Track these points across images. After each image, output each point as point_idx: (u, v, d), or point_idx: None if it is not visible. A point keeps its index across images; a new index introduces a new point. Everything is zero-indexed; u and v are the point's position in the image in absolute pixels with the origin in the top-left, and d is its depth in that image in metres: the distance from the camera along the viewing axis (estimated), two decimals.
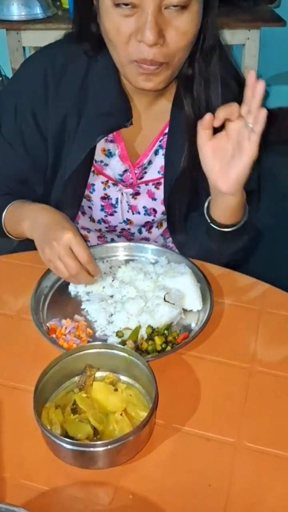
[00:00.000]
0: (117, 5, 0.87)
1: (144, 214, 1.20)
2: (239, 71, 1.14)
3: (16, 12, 2.31)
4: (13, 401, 0.82)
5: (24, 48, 2.40)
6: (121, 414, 0.77)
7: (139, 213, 1.20)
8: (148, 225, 1.25)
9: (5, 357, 0.90)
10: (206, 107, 1.04)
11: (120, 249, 1.13)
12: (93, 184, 1.16)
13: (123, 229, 1.24)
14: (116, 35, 0.90)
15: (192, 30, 0.91)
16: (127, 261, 1.09)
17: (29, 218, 1.04)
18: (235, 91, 1.08)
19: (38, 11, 2.33)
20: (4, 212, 1.10)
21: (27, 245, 1.25)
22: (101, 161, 1.13)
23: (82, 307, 1.00)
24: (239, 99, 1.09)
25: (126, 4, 0.86)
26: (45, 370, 0.78)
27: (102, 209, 1.20)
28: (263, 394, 0.84)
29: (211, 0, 0.94)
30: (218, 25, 1.00)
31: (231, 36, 2.38)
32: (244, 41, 2.43)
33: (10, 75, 2.59)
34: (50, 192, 1.15)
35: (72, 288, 1.03)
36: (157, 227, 1.26)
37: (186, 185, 1.10)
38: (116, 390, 0.80)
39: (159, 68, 0.92)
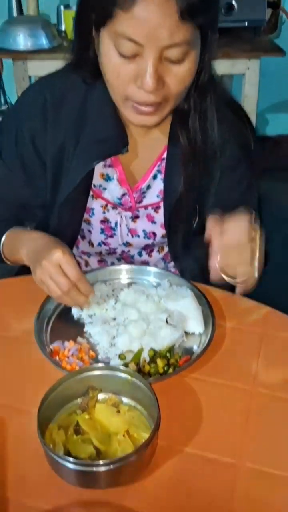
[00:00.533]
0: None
1: (144, 237, 1.22)
2: (232, 96, 1.15)
3: (22, 42, 2.37)
4: (16, 422, 0.83)
5: (30, 77, 2.46)
6: (123, 435, 0.77)
7: (138, 236, 1.22)
8: (149, 249, 1.26)
9: (9, 378, 0.91)
10: (202, 139, 1.06)
11: (123, 272, 1.14)
12: (93, 208, 1.18)
13: (123, 251, 1.26)
14: (115, 78, 0.93)
15: (190, 76, 0.94)
16: (129, 284, 1.11)
17: (26, 245, 1.06)
18: (230, 118, 1.10)
19: (43, 42, 2.39)
20: (3, 239, 1.13)
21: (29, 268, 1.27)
22: (100, 185, 1.16)
23: (85, 329, 1.01)
24: (235, 126, 1.11)
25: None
26: (48, 392, 0.79)
27: (102, 232, 1.22)
28: (264, 415, 0.84)
29: (210, 42, 0.95)
30: (215, 59, 1.01)
31: (232, 66, 2.44)
32: (244, 70, 2.48)
33: None
34: (49, 216, 1.18)
35: (75, 311, 1.05)
36: (158, 251, 1.28)
37: (185, 210, 1.12)
38: (118, 411, 0.81)
39: (156, 109, 0.94)
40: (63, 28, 2.63)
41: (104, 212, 1.18)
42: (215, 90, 1.05)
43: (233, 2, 2.40)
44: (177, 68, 0.90)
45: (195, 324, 0.99)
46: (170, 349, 0.94)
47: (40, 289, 1.05)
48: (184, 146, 1.06)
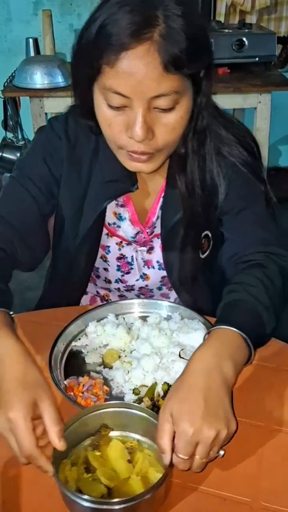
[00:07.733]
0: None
1: (158, 269, 1.23)
2: (245, 129, 1.17)
3: (39, 81, 2.45)
4: None
5: (46, 114, 2.52)
6: (136, 474, 0.77)
7: (153, 267, 1.23)
8: (169, 284, 1.27)
9: None
10: (200, 185, 1.07)
11: (135, 306, 1.15)
12: (108, 246, 1.20)
13: (141, 287, 1.27)
14: (107, 129, 0.96)
15: (181, 125, 0.95)
16: (141, 318, 1.11)
17: None
18: (236, 156, 1.10)
19: (59, 80, 2.46)
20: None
21: (47, 303, 1.28)
22: (114, 223, 1.18)
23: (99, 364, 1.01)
24: (237, 166, 1.11)
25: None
26: (63, 428, 0.79)
27: (118, 269, 1.23)
28: (279, 453, 0.83)
29: (203, 87, 0.96)
30: (212, 103, 1.03)
31: (243, 100, 2.49)
32: (256, 104, 2.52)
33: None
34: (62, 256, 1.20)
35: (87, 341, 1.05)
36: None
37: (181, 241, 1.13)
38: (132, 448, 0.81)
39: (150, 157, 0.96)
40: None
41: (119, 249, 1.21)
42: (217, 133, 1.07)
43: (244, 39, 2.46)
44: (167, 116, 0.92)
45: None
46: None
47: (55, 324, 1.07)
48: (182, 191, 1.08)
